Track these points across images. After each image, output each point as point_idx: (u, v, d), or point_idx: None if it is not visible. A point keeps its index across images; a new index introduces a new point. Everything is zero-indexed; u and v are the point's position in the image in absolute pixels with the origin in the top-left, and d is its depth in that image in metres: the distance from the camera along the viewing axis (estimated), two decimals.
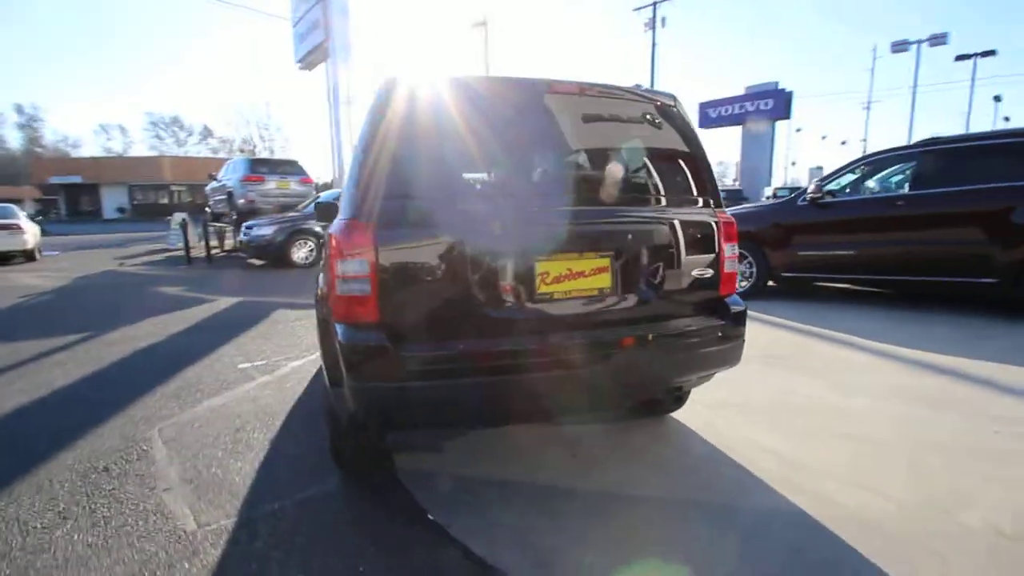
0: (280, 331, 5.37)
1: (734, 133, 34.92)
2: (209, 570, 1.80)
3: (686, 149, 2.18)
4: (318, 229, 11.27)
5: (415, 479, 2.36)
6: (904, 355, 3.84)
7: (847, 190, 6.00)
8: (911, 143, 5.79)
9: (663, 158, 2.18)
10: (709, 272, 2.15)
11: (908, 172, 5.54)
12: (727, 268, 2.19)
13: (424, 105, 1.89)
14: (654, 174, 2.14)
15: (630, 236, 1.96)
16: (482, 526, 2.00)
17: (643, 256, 2.01)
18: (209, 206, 15.20)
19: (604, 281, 1.96)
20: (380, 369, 1.75)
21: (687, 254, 2.07)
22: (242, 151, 39.13)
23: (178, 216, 14.13)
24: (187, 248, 11.96)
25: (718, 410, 2.94)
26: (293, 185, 13.60)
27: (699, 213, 2.15)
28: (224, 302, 7.17)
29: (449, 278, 1.81)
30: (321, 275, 2.26)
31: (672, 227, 2.04)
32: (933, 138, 5.38)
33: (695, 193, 2.19)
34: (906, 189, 5.45)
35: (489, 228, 1.83)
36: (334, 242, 1.82)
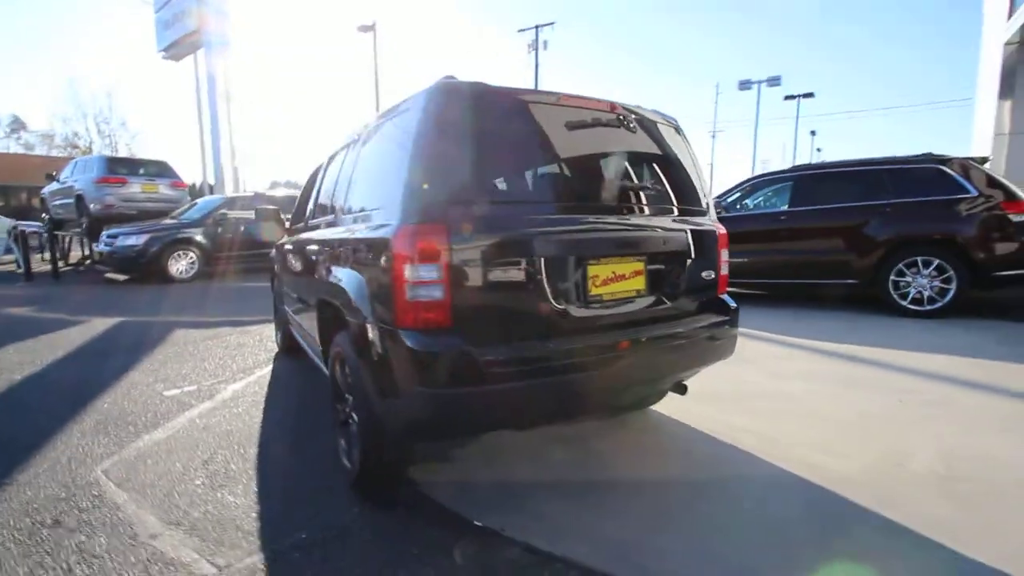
0: (194, 353, 4.77)
1: None
2: None
3: (691, 165, 2.45)
4: (201, 239, 10.14)
5: (438, 490, 2.31)
6: (809, 345, 4.57)
7: (737, 206, 6.95)
8: (787, 168, 6.91)
9: (676, 172, 2.42)
10: (712, 274, 2.43)
11: (787, 192, 6.58)
12: (723, 271, 2.50)
13: (481, 112, 1.91)
14: (670, 186, 2.38)
15: (662, 242, 2.16)
16: (533, 523, 2.04)
17: (668, 260, 2.22)
18: (48, 211, 12.79)
19: (639, 283, 2.13)
20: (461, 374, 1.72)
21: (699, 258, 2.33)
22: (77, 148, 33.35)
23: (5, 222, 11.70)
24: (27, 261, 9.95)
25: (688, 400, 3.26)
26: (163, 189, 12.02)
27: (705, 223, 2.43)
28: (100, 324, 6.15)
29: (514, 282, 1.85)
30: (351, 284, 2.10)
31: (687, 234, 2.28)
32: (803, 164, 6.47)
33: (701, 204, 2.47)
34: (786, 206, 6.47)
35: (548, 233, 1.90)
36: (401, 247, 1.75)
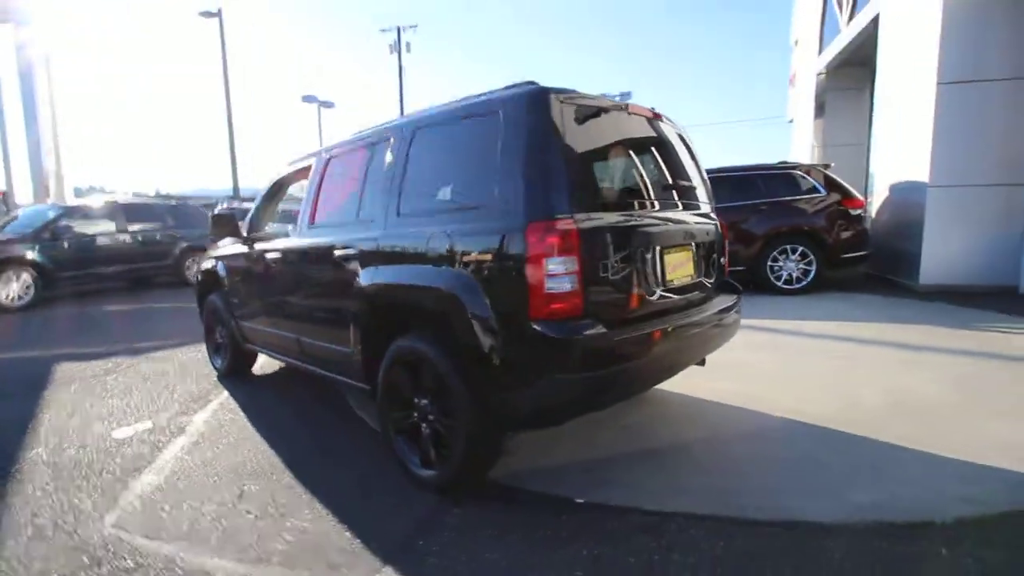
0: (109, 388, 4.04)
1: None
2: None
3: (700, 164, 2.84)
4: (36, 257, 8.35)
5: (516, 480, 2.38)
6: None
7: None
8: None
9: (697, 170, 2.78)
10: (721, 260, 2.86)
11: None
12: (725, 257, 2.94)
13: (579, 116, 2.04)
14: (696, 183, 2.73)
15: (705, 233, 2.50)
16: (626, 491, 2.23)
17: (706, 248, 2.58)
18: None
19: (690, 270, 2.45)
20: (599, 357, 1.85)
21: (719, 245, 2.72)
22: None
23: None
24: None
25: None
26: None
27: (714, 214, 2.84)
28: None
29: (622, 270, 2.03)
30: (454, 282, 2.07)
31: (714, 224, 2.66)
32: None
33: (710, 199, 2.87)
34: None
35: (644, 225, 2.12)
36: (537, 243, 1.82)
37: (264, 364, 4.45)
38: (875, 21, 7.87)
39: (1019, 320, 4.92)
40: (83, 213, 9.37)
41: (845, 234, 6.72)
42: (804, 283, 6.79)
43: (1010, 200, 5.97)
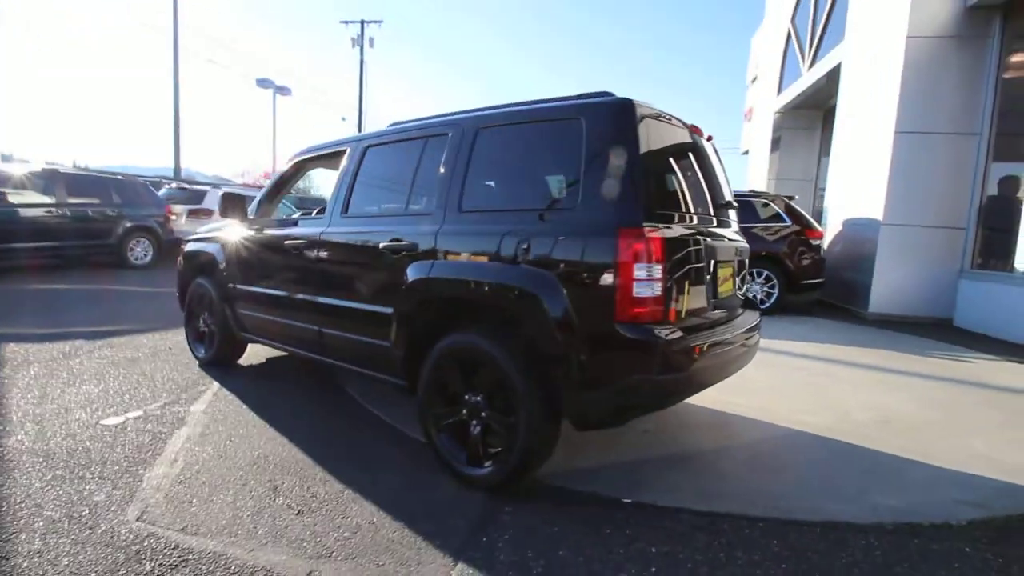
0: (76, 371, 3.71)
1: None
2: None
3: (730, 183, 3.01)
4: None
5: (557, 479, 2.41)
6: None
7: None
8: None
9: (728, 188, 2.93)
10: (746, 277, 3.03)
11: None
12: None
13: (649, 126, 2.12)
14: (728, 199, 2.87)
15: (741, 251, 2.65)
16: (670, 493, 2.31)
17: (739, 265, 2.73)
18: None
19: (731, 285, 2.59)
20: (679, 360, 1.92)
21: (746, 263, 2.89)
22: None
23: None
24: None
25: None
26: None
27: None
28: None
29: (692, 279, 2.12)
30: (532, 282, 2.08)
31: (745, 243, 2.83)
32: None
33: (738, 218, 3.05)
34: None
35: (704, 238, 2.22)
36: (629, 248, 1.87)
37: (250, 355, 4.23)
38: (836, 70, 8.60)
39: (961, 349, 5.50)
40: (10, 180, 8.49)
41: (805, 262, 7.24)
42: (767, 305, 7.25)
43: (950, 241, 6.68)
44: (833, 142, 8.70)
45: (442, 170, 2.49)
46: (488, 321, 2.28)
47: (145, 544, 1.84)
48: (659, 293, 1.94)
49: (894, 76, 6.60)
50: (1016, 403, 3.80)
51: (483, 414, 2.28)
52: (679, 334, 1.97)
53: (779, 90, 11.59)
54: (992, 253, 6.38)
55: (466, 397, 2.33)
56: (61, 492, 2.14)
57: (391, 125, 3.09)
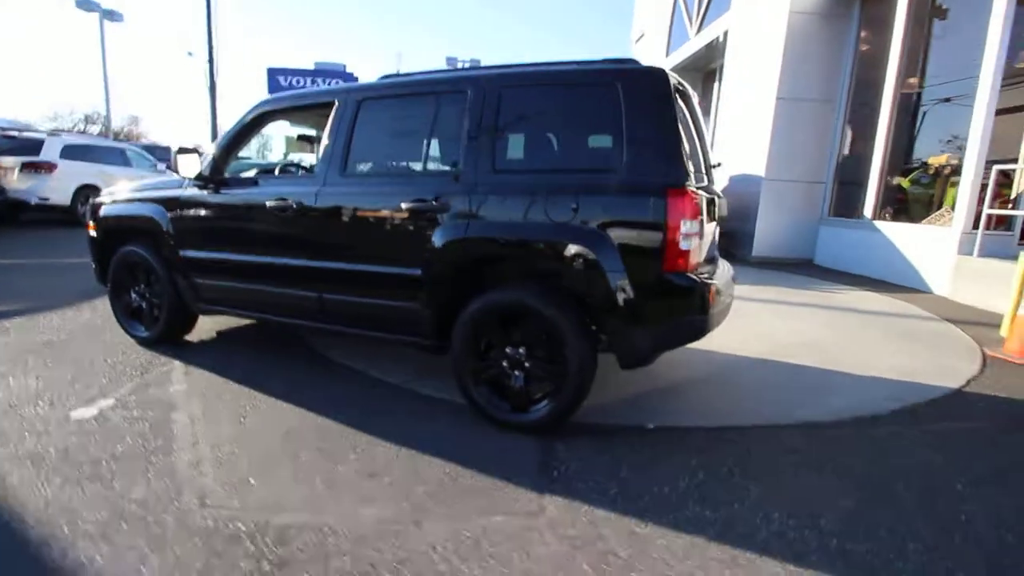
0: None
1: None
2: None
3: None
4: None
5: (583, 416, 2.68)
6: None
7: None
8: None
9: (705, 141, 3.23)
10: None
11: None
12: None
13: (676, 90, 2.33)
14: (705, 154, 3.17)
15: (722, 206, 3.01)
16: (681, 416, 2.71)
17: (720, 221, 3.10)
18: None
19: (713, 239, 2.96)
20: (710, 302, 2.23)
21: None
22: None
23: None
24: None
25: None
26: None
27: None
28: None
29: (705, 234, 2.42)
30: (585, 238, 2.23)
31: (724, 199, 3.19)
32: None
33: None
34: None
35: (711, 197, 2.53)
36: (677, 205, 2.08)
37: (200, 328, 3.84)
38: (722, 36, 9.48)
39: (826, 283, 6.72)
40: None
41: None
42: None
43: (812, 194, 7.98)
44: (720, 105, 9.69)
45: (467, 129, 2.48)
46: (532, 277, 2.41)
47: (232, 528, 1.77)
48: (695, 246, 2.22)
49: (777, 47, 7.52)
50: (881, 322, 4.85)
51: (526, 364, 2.44)
52: (709, 279, 2.30)
53: (667, 52, 12.44)
54: (844, 204, 7.77)
55: (507, 350, 2.47)
56: (90, 495, 1.92)
57: (383, 78, 2.93)
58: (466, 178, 2.46)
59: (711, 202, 2.63)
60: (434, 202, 2.49)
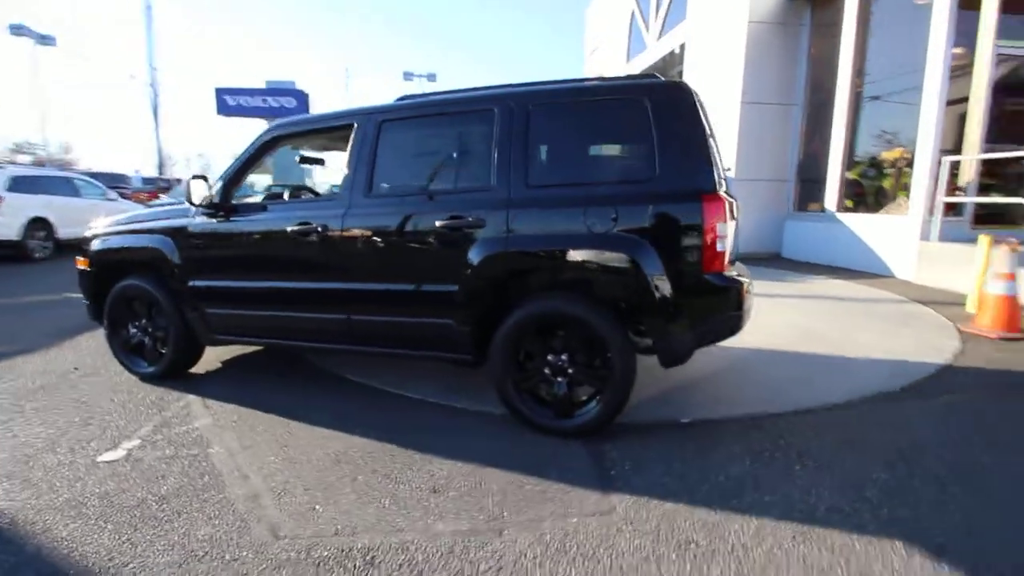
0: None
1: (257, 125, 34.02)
2: None
3: None
4: None
5: (621, 418, 2.76)
6: None
7: None
8: None
9: None
10: None
11: None
12: None
13: (701, 105, 2.47)
14: None
15: (738, 208, 3.18)
16: (711, 409, 2.83)
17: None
18: None
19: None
20: (744, 300, 2.37)
21: None
22: None
23: None
24: None
25: None
26: None
27: None
28: None
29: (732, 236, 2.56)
30: (629, 246, 2.32)
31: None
32: None
33: None
34: None
35: (732, 200, 2.68)
36: (712, 210, 2.20)
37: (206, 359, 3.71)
38: (682, 46, 9.92)
39: (799, 273, 7.09)
40: None
41: None
42: None
43: (778, 191, 8.43)
44: None
45: (497, 146, 2.54)
46: (572, 286, 2.48)
47: (317, 555, 1.75)
48: (726, 247, 2.36)
49: (739, 54, 7.95)
50: (860, 308, 5.17)
51: (569, 371, 2.51)
52: (743, 279, 2.43)
53: (627, 59, 12.88)
54: (807, 199, 8.24)
55: (548, 358, 2.52)
56: (151, 538, 1.85)
57: (400, 99, 2.95)
58: (500, 194, 2.52)
59: (731, 205, 2.78)
60: (468, 219, 2.53)
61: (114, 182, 16.07)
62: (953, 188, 6.12)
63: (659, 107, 2.37)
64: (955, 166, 6.02)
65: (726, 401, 3.01)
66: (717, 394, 3.13)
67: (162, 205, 13.02)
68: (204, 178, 3.02)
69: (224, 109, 32.94)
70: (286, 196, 3.58)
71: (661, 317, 2.33)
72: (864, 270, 6.86)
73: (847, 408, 2.83)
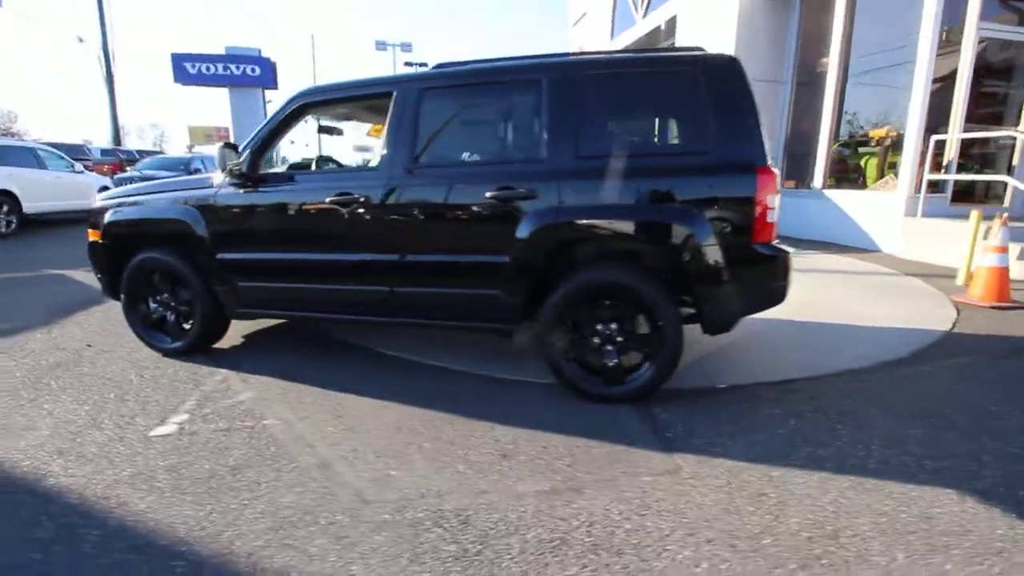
0: (8, 388, 2.85)
1: (219, 95, 32.28)
2: None
3: None
4: None
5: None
6: None
7: None
8: None
9: None
10: None
11: None
12: None
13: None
14: None
15: None
16: (743, 374, 2.97)
17: None
18: None
19: None
20: (789, 270, 2.47)
21: None
22: None
23: None
24: None
25: None
26: None
27: None
28: None
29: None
30: (679, 216, 2.39)
31: None
32: None
33: None
34: None
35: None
36: (765, 182, 2.27)
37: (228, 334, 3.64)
38: (670, 21, 9.91)
39: (791, 247, 7.33)
40: None
41: None
42: None
43: None
44: None
45: (548, 116, 2.54)
46: (622, 256, 2.54)
47: (411, 517, 1.79)
48: (776, 219, 2.45)
49: (730, 32, 8.02)
50: (855, 280, 5.41)
51: (618, 339, 2.58)
52: (787, 249, 2.53)
53: (612, 35, 12.80)
54: (795, 175, 8.47)
55: (597, 327, 2.59)
56: (237, 507, 1.86)
57: (437, 67, 2.90)
58: (550, 165, 2.53)
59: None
60: (519, 189, 2.54)
61: (72, 154, 15.18)
62: (935, 166, 6.40)
63: (712, 80, 2.41)
64: (939, 145, 6.29)
65: (753, 368, 3.15)
66: (743, 361, 3.27)
67: (151, 177, 12.41)
68: (235, 147, 2.92)
69: (183, 77, 31.23)
70: (313, 167, 3.49)
71: (711, 286, 2.42)
72: (851, 244, 7.15)
73: (869, 372, 3.01)
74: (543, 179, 2.53)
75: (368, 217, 2.77)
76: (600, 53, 2.67)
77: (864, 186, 7.42)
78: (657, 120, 2.60)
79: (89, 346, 3.56)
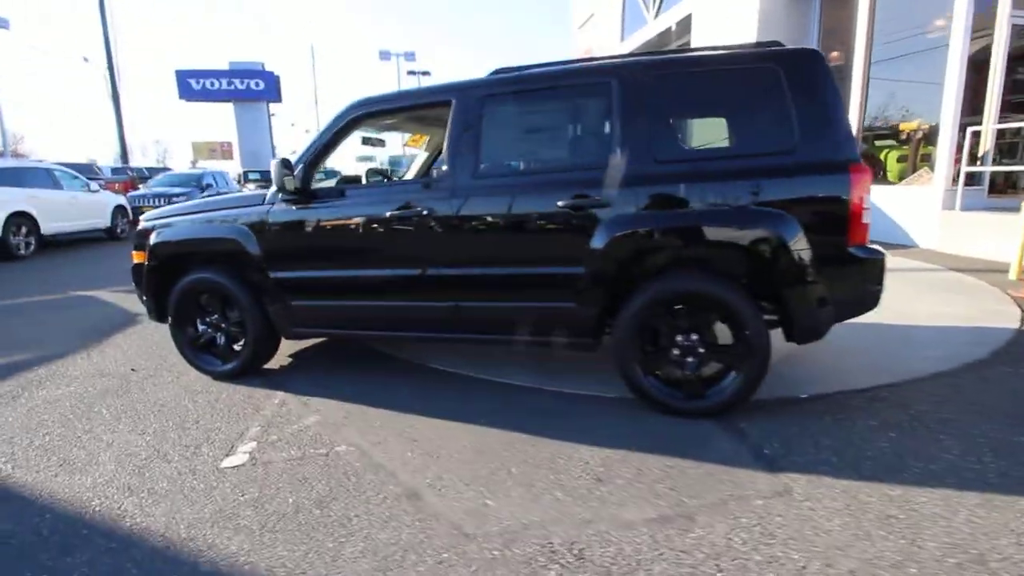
0: (59, 414, 2.76)
1: (220, 109, 32.34)
2: None
3: None
4: None
5: None
6: None
7: None
8: None
9: None
10: None
11: None
12: None
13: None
14: None
15: None
16: (821, 384, 2.85)
17: None
18: None
19: None
20: (884, 274, 2.35)
21: None
22: None
23: None
24: None
25: None
26: None
27: None
28: None
29: None
30: (766, 221, 2.29)
31: None
32: None
33: None
34: None
35: None
36: (859, 182, 2.17)
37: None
38: (684, 19, 9.83)
39: None
40: None
41: None
42: None
43: None
44: None
45: (619, 121, 2.44)
46: (704, 263, 2.43)
47: (522, 552, 1.68)
48: (869, 220, 2.34)
49: (750, 28, 7.92)
50: (902, 277, 5.26)
51: (700, 350, 2.47)
52: (884, 252, 2.42)
53: (622, 37, 12.73)
54: None
55: (677, 338, 2.48)
56: (337, 545, 1.75)
57: (494, 72, 2.81)
58: (625, 171, 2.43)
59: None
60: (593, 198, 2.44)
61: (83, 173, 15.17)
62: (971, 158, 6.28)
63: (794, 75, 2.31)
64: (974, 136, 6.17)
65: (829, 374, 3.02)
66: (817, 367, 3.14)
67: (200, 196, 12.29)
68: (289, 163, 2.83)
69: (187, 93, 31.47)
70: (363, 181, 3.40)
71: (804, 292, 2.31)
72: (884, 240, 7.02)
73: (954, 376, 2.88)
74: (619, 186, 2.42)
75: (432, 230, 2.67)
76: (674, 52, 2.57)
77: (884, 180, 7.29)
78: (737, 119, 2.49)
79: (134, 370, 3.47)
